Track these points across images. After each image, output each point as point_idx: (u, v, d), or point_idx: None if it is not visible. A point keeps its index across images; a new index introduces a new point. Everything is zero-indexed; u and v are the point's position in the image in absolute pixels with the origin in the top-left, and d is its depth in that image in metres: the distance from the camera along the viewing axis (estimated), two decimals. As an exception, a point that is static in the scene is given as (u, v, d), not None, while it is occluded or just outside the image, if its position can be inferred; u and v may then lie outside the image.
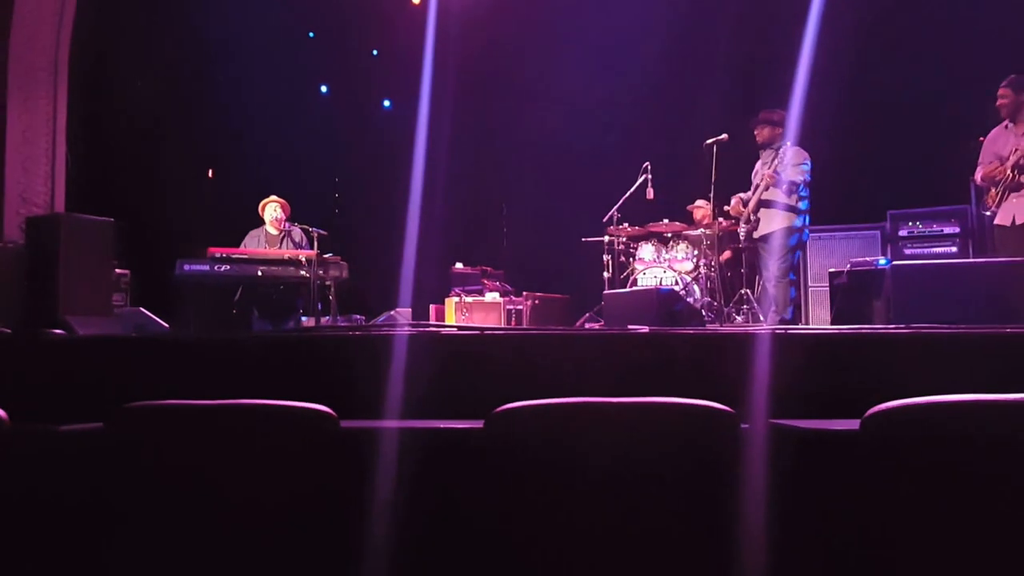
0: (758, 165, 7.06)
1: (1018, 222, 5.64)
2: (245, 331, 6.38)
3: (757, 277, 7.51)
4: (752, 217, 6.88)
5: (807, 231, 6.91)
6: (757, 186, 6.87)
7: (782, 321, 6.49)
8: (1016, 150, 5.67)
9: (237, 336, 3.28)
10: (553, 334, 3.08)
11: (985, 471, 1.74)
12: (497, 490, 1.89)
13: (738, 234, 7.25)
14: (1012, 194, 5.69)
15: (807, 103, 6.22)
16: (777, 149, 6.75)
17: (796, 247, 6.84)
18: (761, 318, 7.09)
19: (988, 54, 6.89)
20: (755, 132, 6.98)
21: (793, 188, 6.64)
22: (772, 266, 6.73)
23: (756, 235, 6.91)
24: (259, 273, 6.64)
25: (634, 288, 7.61)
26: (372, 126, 10.85)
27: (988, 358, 2.61)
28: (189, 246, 6.89)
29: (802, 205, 6.73)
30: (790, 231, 6.69)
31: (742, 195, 7.12)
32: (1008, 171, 5.67)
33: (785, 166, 6.63)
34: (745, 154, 7.26)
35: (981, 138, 5.98)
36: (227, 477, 1.95)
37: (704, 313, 7.00)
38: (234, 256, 6.65)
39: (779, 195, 6.71)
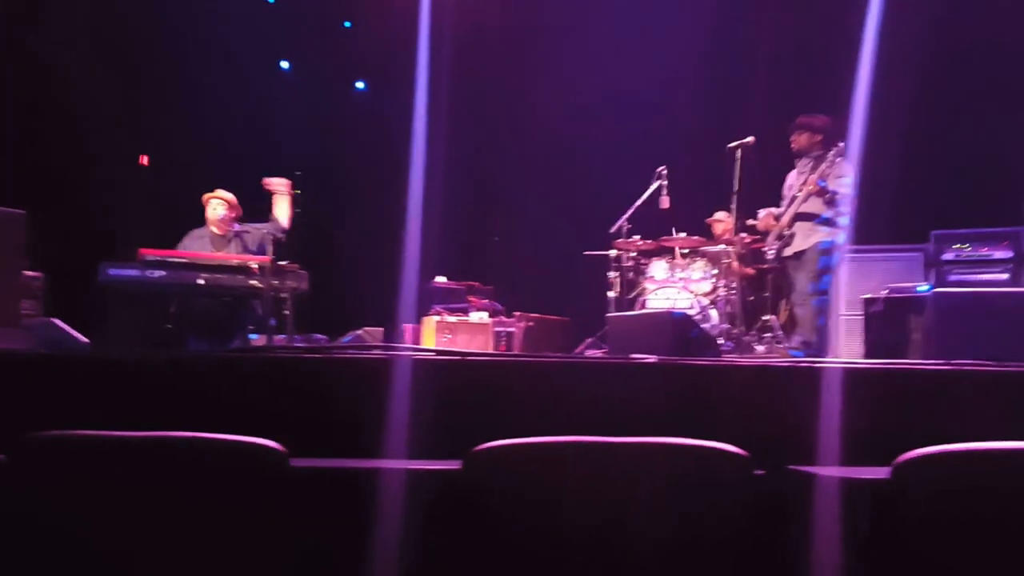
0: (792, 176, 7.16)
1: None
2: (181, 350, 6.36)
3: (783, 302, 7.57)
4: (786, 232, 6.96)
5: (840, 252, 6.94)
6: (794, 198, 6.95)
7: (806, 346, 6.54)
8: None
9: (171, 356, 3.31)
10: (546, 362, 3.13)
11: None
12: (477, 541, 1.92)
13: (763, 252, 7.31)
14: None
15: (850, 109, 6.31)
16: (816, 158, 6.85)
17: (831, 268, 6.90)
18: (782, 346, 7.15)
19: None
20: (792, 138, 7.06)
21: (836, 200, 6.72)
22: (801, 283, 6.83)
23: (788, 252, 7.00)
24: (200, 281, 6.55)
25: (643, 311, 7.67)
26: (342, 111, 10.87)
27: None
28: (116, 246, 6.86)
29: (842, 221, 6.81)
30: (827, 248, 6.79)
31: (773, 209, 7.20)
32: None
33: (831, 176, 6.71)
34: (774, 161, 7.32)
35: None
36: (152, 521, 1.94)
37: (722, 341, 7.06)
38: (170, 260, 6.54)
39: (819, 207, 6.81)
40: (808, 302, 6.79)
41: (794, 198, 6.92)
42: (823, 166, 6.72)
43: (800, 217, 6.91)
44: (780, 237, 7.01)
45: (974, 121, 8.11)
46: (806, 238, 6.88)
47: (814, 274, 6.78)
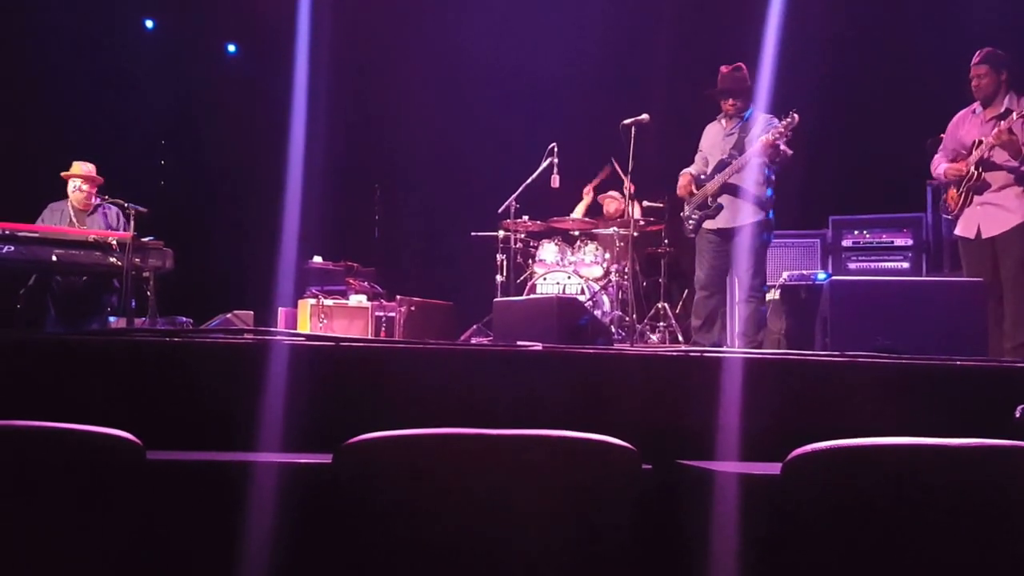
0: (712, 134, 6.69)
1: (984, 235, 5.75)
2: (34, 331, 6.16)
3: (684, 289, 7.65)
4: (711, 202, 6.43)
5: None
6: (725, 163, 6.38)
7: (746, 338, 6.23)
8: (982, 141, 5.73)
9: (22, 337, 3.18)
10: (424, 349, 3.11)
11: (919, 522, 1.86)
12: (349, 540, 1.90)
13: (661, 235, 7.30)
14: (976, 197, 5.79)
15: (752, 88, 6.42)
16: (747, 119, 6.45)
17: (766, 248, 6.49)
18: (680, 338, 7.25)
19: (954, 43, 7.27)
20: (728, 96, 6.52)
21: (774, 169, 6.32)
22: (746, 275, 6.30)
23: (714, 227, 6.43)
24: (54, 258, 6.44)
25: (531, 296, 7.71)
26: (211, 76, 10.61)
27: (933, 393, 2.78)
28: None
29: (769, 192, 6.41)
30: (763, 226, 6.33)
31: (691, 170, 6.69)
32: (971, 168, 5.75)
33: (777, 139, 6.19)
34: (670, 140, 7.38)
35: (942, 135, 6.23)
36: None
37: (614, 330, 7.14)
38: (21, 234, 6.41)
39: (750, 179, 6.32)
40: (752, 292, 6.27)
41: (726, 164, 6.38)
42: (759, 127, 6.28)
43: (728, 189, 6.38)
44: (706, 207, 6.46)
45: (879, 100, 8.35)
46: (739, 214, 6.32)
47: (759, 257, 6.33)
